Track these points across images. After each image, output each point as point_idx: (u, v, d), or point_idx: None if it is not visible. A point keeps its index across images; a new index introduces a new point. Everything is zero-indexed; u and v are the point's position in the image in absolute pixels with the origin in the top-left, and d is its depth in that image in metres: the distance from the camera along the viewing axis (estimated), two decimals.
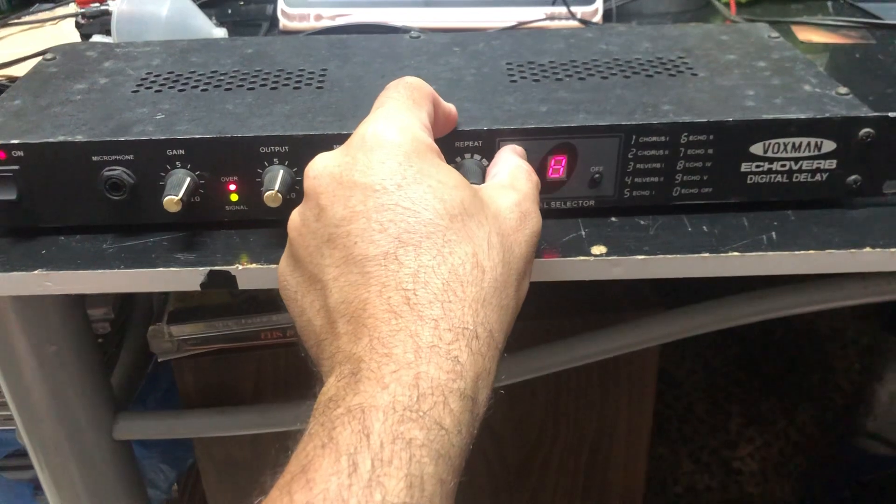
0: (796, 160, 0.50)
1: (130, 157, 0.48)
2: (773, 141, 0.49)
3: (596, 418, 1.00)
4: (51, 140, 0.48)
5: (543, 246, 0.49)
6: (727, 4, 0.90)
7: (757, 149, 0.50)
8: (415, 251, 0.34)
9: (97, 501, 0.75)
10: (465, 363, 0.32)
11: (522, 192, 0.41)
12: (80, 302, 0.69)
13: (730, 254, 0.48)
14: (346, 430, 0.29)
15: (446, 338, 0.32)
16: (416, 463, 0.29)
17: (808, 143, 0.50)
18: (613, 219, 0.52)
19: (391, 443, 0.29)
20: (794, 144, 0.50)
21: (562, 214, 0.52)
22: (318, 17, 0.83)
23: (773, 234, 0.50)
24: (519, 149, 0.48)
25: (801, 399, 1.47)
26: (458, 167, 0.49)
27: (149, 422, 0.78)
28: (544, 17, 0.82)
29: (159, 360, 0.83)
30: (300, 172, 0.49)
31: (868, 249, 0.48)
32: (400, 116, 0.39)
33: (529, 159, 0.49)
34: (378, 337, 0.32)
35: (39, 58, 0.62)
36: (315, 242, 0.36)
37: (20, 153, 0.48)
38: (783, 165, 0.50)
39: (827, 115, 0.49)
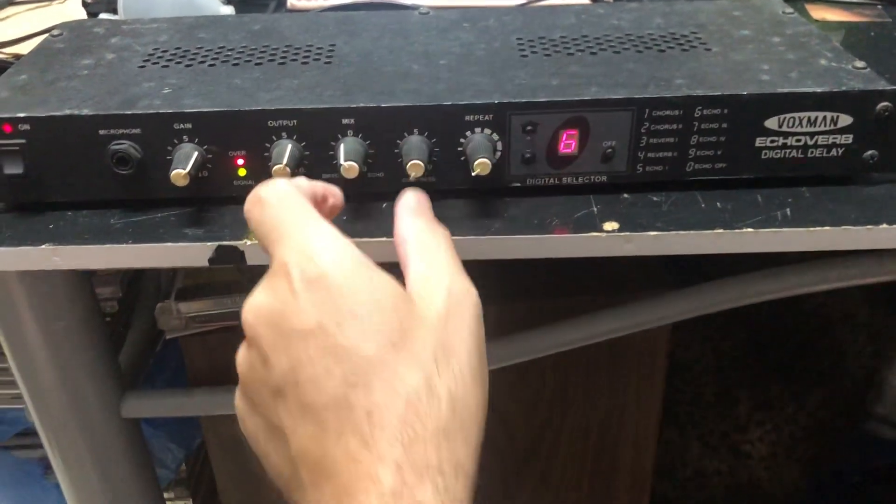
0: (812, 135, 0.49)
1: (137, 130, 0.48)
2: (788, 115, 0.49)
3: (605, 401, 1.00)
4: (57, 114, 0.47)
5: (554, 222, 0.49)
6: None
7: (772, 123, 0.49)
8: (364, 391, 0.32)
9: (106, 480, 0.75)
10: None
11: (443, 274, 0.37)
12: (87, 279, 0.69)
13: (744, 230, 0.48)
14: None
15: (410, 480, 0.31)
16: None
17: (824, 118, 0.49)
18: (626, 195, 0.51)
19: None
20: (809, 119, 0.49)
21: (573, 190, 0.51)
22: None
23: (788, 210, 0.49)
24: (410, 202, 0.42)
25: (810, 383, 1.47)
26: (467, 142, 0.48)
27: (156, 400, 0.78)
28: None
29: (167, 338, 0.83)
30: (308, 147, 0.48)
31: (885, 226, 0.47)
32: (318, 239, 0.35)
33: (541, 134, 0.49)
34: (342, 486, 0.31)
35: (46, 35, 0.61)
36: (266, 390, 0.35)
37: (26, 127, 0.47)
38: (798, 140, 0.50)
39: (843, 88, 0.48)
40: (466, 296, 0.37)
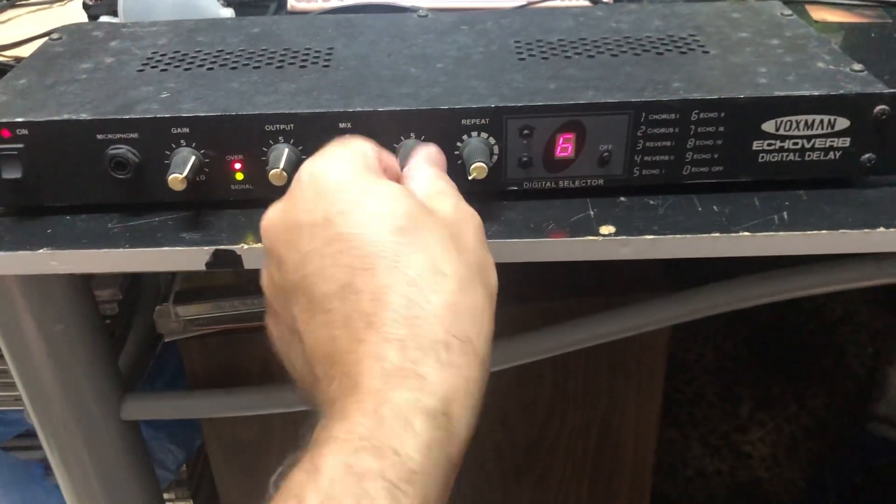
0: (809, 138, 0.49)
1: (135, 135, 0.48)
2: (785, 118, 0.49)
3: (605, 401, 1.00)
4: (55, 118, 0.48)
5: (551, 226, 0.49)
6: None
7: (769, 126, 0.49)
8: (370, 274, 0.33)
9: (106, 481, 0.75)
10: (433, 379, 0.31)
11: (452, 196, 0.39)
12: (86, 282, 0.69)
13: (740, 234, 0.48)
14: (300, 473, 0.29)
15: (414, 356, 0.31)
16: (367, 496, 0.28)
17: (822, 121, 0.49)
18: (622, 198, 0.51)
19: (343, 477, 0.28)
20: (806, 122, 0.49)
21: (570, 194, 0.51)
22: None
23: (785, 213, 0.49)
24: (431, 152, 0.43)
25: (812, 383, 1.47)
26: (464, 146, 0.48)
27: (156, 402, 0.79)
28: None
29: (166, 341, 0.83)
30: (305, 151, 0.48)
31: (882, 230, 0.47)
32: (334, 150, 0.38)
33: (538, 137, 0.49)
34: (347, 371, 0.31)
35: (46, 38, 0.62)
36: (283, 294, 0.36)
37: (25, 131, 0.47)
38: (795, 143, 0.50)
39: (841, 91, 0.48)
40: (470, 214, 0.38)
